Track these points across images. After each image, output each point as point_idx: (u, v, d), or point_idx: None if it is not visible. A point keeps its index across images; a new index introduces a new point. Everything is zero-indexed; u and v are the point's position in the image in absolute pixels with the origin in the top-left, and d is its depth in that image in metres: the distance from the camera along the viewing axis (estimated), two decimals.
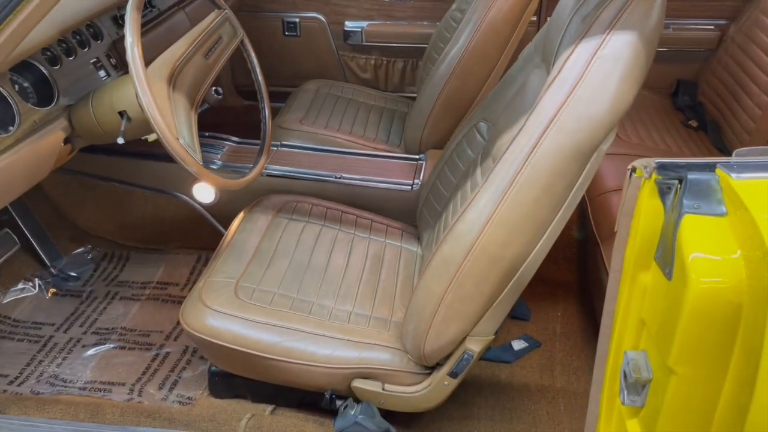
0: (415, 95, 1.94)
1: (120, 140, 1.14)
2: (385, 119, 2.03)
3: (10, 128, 1.12)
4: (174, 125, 1.07)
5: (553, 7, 2.07)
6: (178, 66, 1.17)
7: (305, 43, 2.30)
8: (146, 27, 1.57)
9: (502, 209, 1.00)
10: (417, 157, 1.77)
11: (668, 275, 0.78)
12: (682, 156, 1.76)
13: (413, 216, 1.56)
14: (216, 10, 1.33)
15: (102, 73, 1.38)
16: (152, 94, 1.03)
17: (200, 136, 1.78)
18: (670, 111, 2.05)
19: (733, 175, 0.74)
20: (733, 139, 1.80)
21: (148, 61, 1.20)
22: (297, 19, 2.26)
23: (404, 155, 1.79)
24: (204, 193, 1.66)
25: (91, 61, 1.36)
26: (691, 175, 0.77)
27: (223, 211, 1.66)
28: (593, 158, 0.99)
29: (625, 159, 1.69)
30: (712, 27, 2.06)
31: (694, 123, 1.96)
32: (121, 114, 1.17)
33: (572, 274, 1.70)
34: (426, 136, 1.78)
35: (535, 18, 2.14)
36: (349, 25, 2.24)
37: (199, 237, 1.74)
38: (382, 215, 1.57)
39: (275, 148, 1.76)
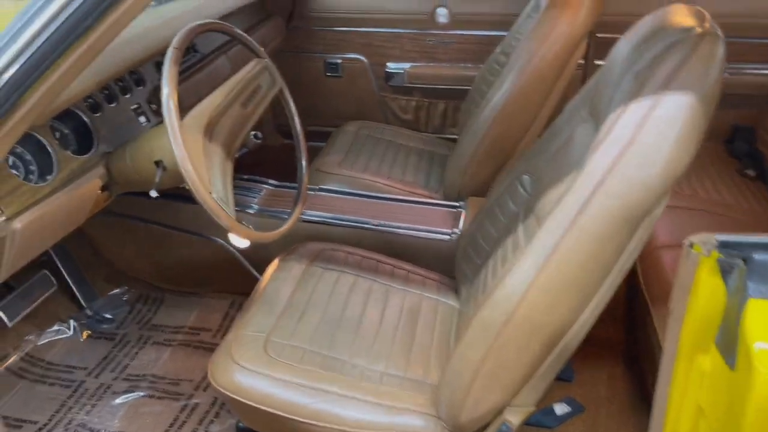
0: (455, 137, 1.90)
1: (153, 193, 1.13)
2: (424, 162, 1.99)
3: (48, 177, 1.12)
4: (207, 179, 1.05)
5: (602, 50, 2.01)
6: (216, 116, 1.16)
7: (347, 83, 2.29)
8: (189, 71, 1.58)
9: (546, 275, 0.94)
10: (456, 204, 1.72)
11: (731, 363, 0.71)
12: (739, 208, 1.66)
13: (451, 266, 1.50)
14: (256, 59, 1.32)
15: (142, 119, 1.38)
16: (187, 148, 1.02)
17: (238, 178, 1.79)
18: (725, 158, 1.95)
19: None
20: None
21: (188, 107, 1.19)
22: (339, 60, 2.26)
23: (443, 202, 1.74)
24: (239, 238, 1.64)
25: (132, 107, 1.37)
26: (758, 256, 0.71)
27: (259, 256, 1.63)
28: (645, 223, 0.92)
29: (677, 212, 1.62)
30: None
31: (751, 172, 1.85)
32: (157, 163, 1.17)
33: (619, 334, 1.61)
34: (466, 182, 1.73)
35: (582, 61, 2.09)
36: (391, 66, 2.23)
37: (234, 281, 1.72)
38: (420, 264, 1.52)
39: (313, 193, 1.74)
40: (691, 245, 0.75)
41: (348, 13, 2.19)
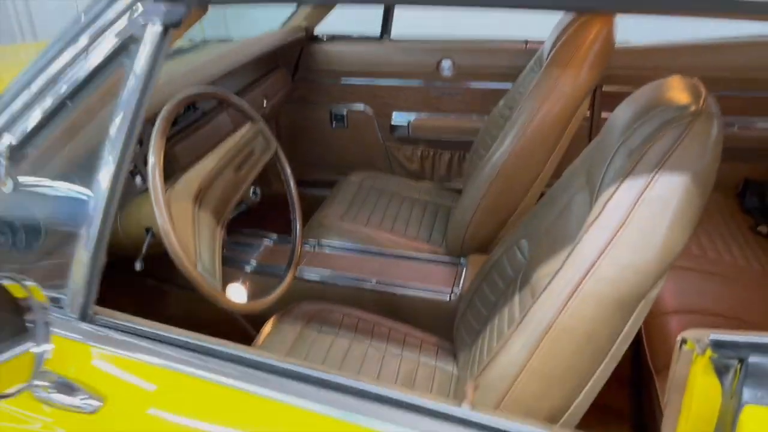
0: (461, 188, 1.88)
1: (138, 266, 1.12)
2: (428, 215, 1.97)
3: (35, 244, 1.11)
4: (193, 249, 1.04)
5: (609, 103, 1.99)
6: (207, 182, 1.15)
7: (352, 133, 2.29)
8: (189, 128, 1.58)
9: (538, 358, 0.90)
10: (458, 261, 1.69)
11: None
12: (751, 272, 1.60)
13: (450, 327, 1.47)
14: (250, 123, 1.32)
15: (138, 179, 1.37)
16: (173, 217, 1.00)
17: (240, 233, 1.78)
18: (737, 214, 1.90)
19: None
20: None
21: (185, 166, 1.19)
22: (344, 111, 2.26)
23: (445, 258, 1.71)
24: (235, 294, 1.62)
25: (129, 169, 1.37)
26: (754, 359, 0.66)
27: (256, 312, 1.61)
28: (640, 306, 0.89)
29: (686, 274, 1.56)
30: None
31: (764, 229, 1.80)
32: (147, 230, 1.15)
33: (625, 400, 1.55)
34: (468, 238, 1.70)
35: (589, 113, 2.07)
36: (396, 117, 2.23)
37: (231, 337, 1.69)
38: (419, 324, 1.48)
39: (312, 248, 1.72)
40: (684, 341, 0.71)
41: (352, 66, 2.20)
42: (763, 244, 1.75)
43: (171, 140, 1.44)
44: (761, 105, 1.94)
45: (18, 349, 0.64)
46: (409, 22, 2.18)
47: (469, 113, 2.16)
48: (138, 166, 1.40)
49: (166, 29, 0.76)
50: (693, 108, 0.85)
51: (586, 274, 0.86)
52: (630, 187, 0.84)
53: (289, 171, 1.41)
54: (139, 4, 0.74)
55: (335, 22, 2.23)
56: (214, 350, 0.79)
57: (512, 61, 2.03)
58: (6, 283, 0.61)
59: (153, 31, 0.75)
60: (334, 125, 2.28)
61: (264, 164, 1.34)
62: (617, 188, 0.86)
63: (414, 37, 2.22)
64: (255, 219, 1.80)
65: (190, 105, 1.61)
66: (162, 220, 1.00)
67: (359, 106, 2.25)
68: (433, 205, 2.03)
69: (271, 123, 2.20)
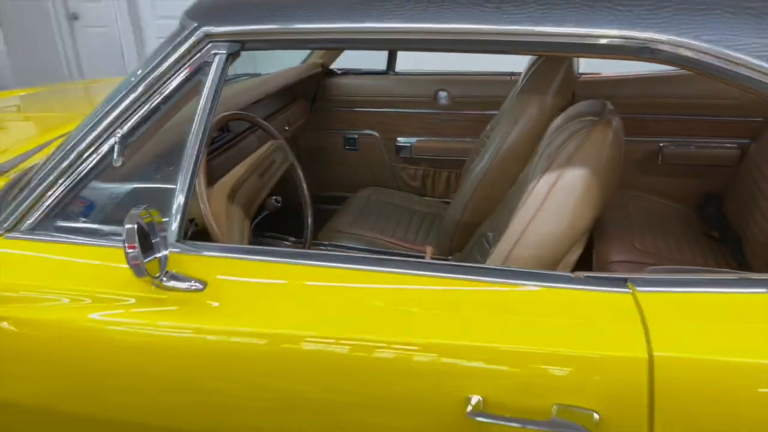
0: None
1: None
2: (426, 223, 2.28)
3: None
4: (227, 232, 1.36)
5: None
6: (237, 185, 1.48)
7: (362, 155, 2.62)
8: (223, 148, 1.93)
9: None
10: (447, 259, 1.99)
11: None
12: (695, 264, 1.87)
13: None
14: (272, 140, 1.66)
15: None
16: (212, 209, 1.33)
17: (260, 236, 2.10)
18: (694, 221, 2.17)
19: (639, 288, 0.92)
20: (749, 251, 1.90)
21: (219, 177, 1.52)
22: (356, 136, 2.60)
23: (436, 258, 2.02)
24: None
25: None
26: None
27: None
28: (559, 268, 1.18)
29: (640, 267, 1.84)
30: (735, 145, 2.21)
31: (716, 234, 2.07)
32: (191, 221, 1.48)
33: None
34: (456, 239, 2.00)
35: None
36: (401, 140, 2.56)
37: None
38: None
39: (323, 249, 2.04)
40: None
41: (363, 96, 2.54)
42: (713, 246, 2.02)
43: (209, 156, 1.78)
44: (716, 127, 2.23)
45: (152, 255, 0.98)
46: (410, 59, 2.52)
47: (463, 136, 2.48)
48: None
49: (228, 57, 1.10)
50: (592, 122, 1.16)
51: (515, 244, 1.16)
52: (546, 181, 1.15)
53: (301, 176, 1.74)
54: (210, 44, 1.08)
55: (348, 59, 2.59)
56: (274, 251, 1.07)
57: (499, 91, 2.35)
58: (140, 211, 0.95)
59: (220, 57, 1.09)
60: (346, 148, 2.62)
61: (282, 172, 1.67)
62: (538, 181, 1.16)
63: (414, 72, 2.56)
64: (275, 225, 2.12)
65: (223, 128, 1.96)
66: (205, 212, 1.32)
67: (368, 132, 2.58)
68: (430, 215, 2.34)
69: (292, 146, 2.53)
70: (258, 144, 2.04)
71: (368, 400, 0.95)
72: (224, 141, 1.94)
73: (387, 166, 2.61)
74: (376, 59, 2.53)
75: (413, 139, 2.54)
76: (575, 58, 1.88)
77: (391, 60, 2.56)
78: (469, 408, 0.89)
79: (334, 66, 2.63)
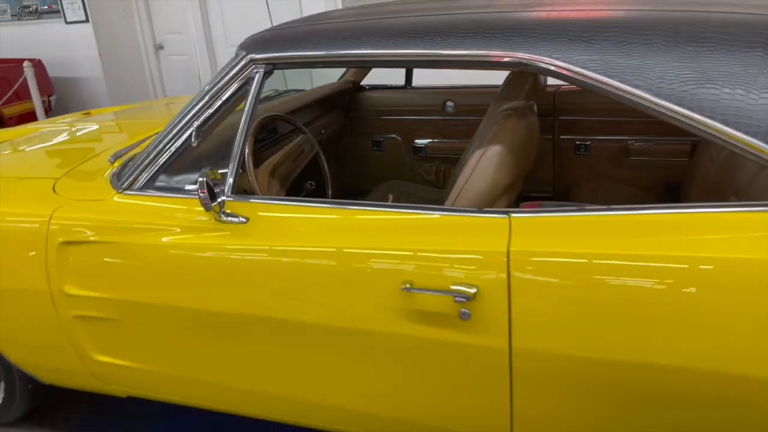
0: None
1: None
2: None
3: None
4: (267, 195, 1.95)
5: (566, 127, 2.77)
6: (276, 166, 2.08)
7: (387, 154, 3.20)
8: (273, 143, 2.54)
9: None
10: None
11: None
12: None
13: None
14: (302, 135, 2.25)
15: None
16: (258, 182, 1.93)
17: None
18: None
19: (514, 215, 1.44)
20: None
21: (262, 161, 2.12)
22: (381, 139, 3.18)
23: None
24: None
25: None
26: None
27: None
28: None
29: None
30: (688, 142, 2.65)
31: None
32: (245, 191, 2.09)
33: None
34: None
35: (551, 136, 2.87)
36: (418, 142, 3.12)
37: None
38: None
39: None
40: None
41: (386, 107, 3.12)
42: None
43: (262, 148, 2.40)
44: (669, 126, 2.67)
45: (215, 200, 1.59)
46: (423, 77, 3.09)
47: (467, 138, 3.02)
48: None
49: (265, 74, 1.69)
50: (508, 114, 1.69)
51: (457, 197, 1.69)
52: (477, 153, 1.68)
53: (324, 160, 2.32)
54: (253, 66, 1.68)
55: (374, 77, 3.18)
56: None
57: (493, 100, 2.88)
58: (207, 171, 1.55)
59: (259, 75, 1.69)
60: (374, 149, 3.20)
61: (310, 158, 2.26)
62: (473, 154, 1.70)
63: (426, 86, 3.13)
64: None
65: (272, 129, 2.58)
66: (252, 181, 1.92)
67: (392, 135, 3.16)
68: (439, 202, 2.88)
69: (331, 147, 3.14)
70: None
71: (343, 287, 1.51)
72: (273, 139, 2.56)
73: (407, 164, 3.18)
74: (397, 77, 3.12)
75: (427, 141, 3.10)
76: None
77: (408, 78, 3.14)
78: (402, 286, 1.43)
79: (363, 83, 3.23)
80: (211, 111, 1.72)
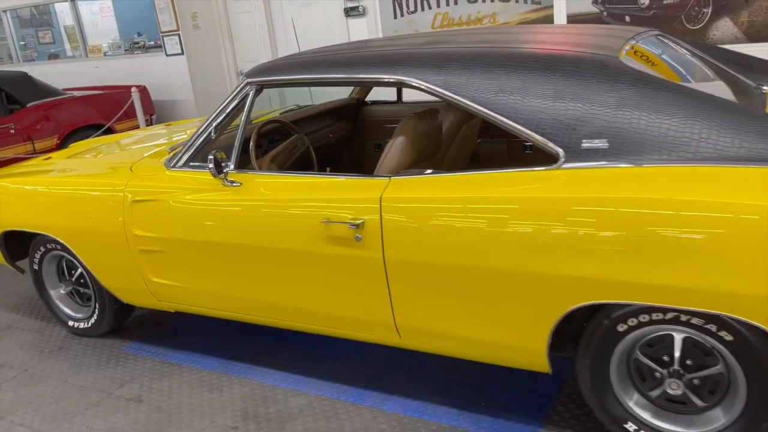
0: None
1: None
2: None
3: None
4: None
5: (486, 128, 3.54)
6: (276, 156, 3.01)
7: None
8: (281, 141, 3.48)
9: None
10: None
11: None
12: None
13: None
14: (297, 134, 3.18)
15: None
16: (262, 165, 2.87)
17: None
18: None
19: (393, 177, 2.31)
20: None
21: (268, 150, 3.06)
22: (381, 143, 4.05)
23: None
24: None
25: None
26: None
27: None
28: None
29: None
30: None
31: None
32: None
33: None
34: None
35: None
36: None
37: None
38: None
39: None
40: None
41: (385, 117, 3.99)
42: None
43: (273, 145, 3.34)
44: None
45: (222, 171, 2.55)
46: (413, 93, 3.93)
47: None
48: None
49: (256, 92, 2.63)
50: (411, 115, 2.54)
51: (378, 169, 2.54)
52: (391, 140, 2.53)
53: (312, 152, 3.22)
54: (248, 86, 2.63)
55: (376, 94, 4.07)
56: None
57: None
58: (216, 152, 2.50)
59: (252, 93, 2.63)
60: (375, 151, 4.08)
61: (301, 151, 3.17)
62: (390, 140, 2.55)
63: (415, 101, 3.97)
64: None
65: (284, 132, 3.51)
66: (253, 165, 2.86)
67: (389, 140, 4.02)
68: None
69: (341, 150, 4.04)
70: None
71: (291, 222, 2.40)
72: (283, 139, 3.51)
73: None
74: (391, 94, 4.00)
75: None
76: None
77: (399, 94, 4.00)
78: (322, 220, 2.31)
79: (368, 99, 4.13)
80: (223, 116, 2.68)
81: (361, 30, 6.50)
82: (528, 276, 1.99)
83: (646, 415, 2.09)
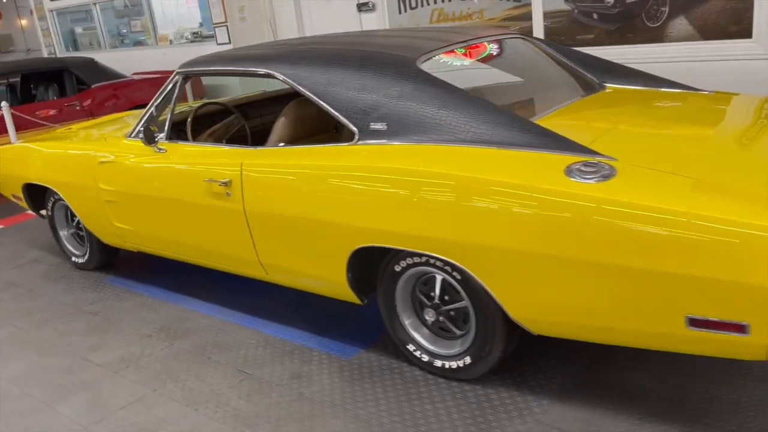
0: None
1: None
2: None
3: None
4: None
5: None
6: (214, 131, 3.76)
7: None
8: (222, 120, 4.22)
9: None
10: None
11: None
12: None
13: None
14: (235, 115, 3.91)
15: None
16: (201, 139, 3.64)
17: None
18: None
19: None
20: None
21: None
22: None
23: None
24: None
25: None
26: None
27: None
28: None
29: None
30: None
31: None
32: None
33: None
34: None
35: None
36: None
37: None
38: None
39: None
40: None
41: None
42: None
43: (218, 123, 4.08)
44: None
45: (154, 141, 3.36)
46: None
47: None
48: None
49: (183, 80, 3.39)
50: (294, 101, 3.21)
51: (267, 142, 3.23)
52: (277, 119, 3.21)
53: (248, 130, 3.93)
54: (177, 75, 3.39)
55: None
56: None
57: None
58: (149, 125, 3.30)
59: (180, 80, 3.39)
60: None
61: (236, 129, 3.89)
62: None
63: None
64: None
65: (229, 112, 4.24)
66: (189, 138, 3.63)
67: None
68: None
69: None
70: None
71: (187, 179, 3.15)
72: (225, 117, 4.25)
73: None
74: None
75: None
76: None
77: None
78: (205, 179, 3.04)
79: None
80: (161, 98, 3.47)
81: (371, 23, 7.14)
82: (327, 223, 2.63)
83: (421, 339, 2.68)
